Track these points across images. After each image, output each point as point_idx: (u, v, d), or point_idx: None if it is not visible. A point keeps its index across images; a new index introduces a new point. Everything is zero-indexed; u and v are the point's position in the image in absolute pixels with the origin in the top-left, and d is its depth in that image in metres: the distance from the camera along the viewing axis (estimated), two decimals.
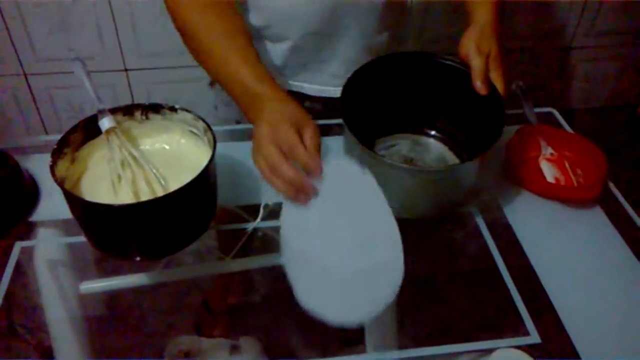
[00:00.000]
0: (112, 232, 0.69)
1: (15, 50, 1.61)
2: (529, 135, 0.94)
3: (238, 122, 1.04)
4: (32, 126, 1.78)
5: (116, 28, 1.60)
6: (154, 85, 1.73)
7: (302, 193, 0.65)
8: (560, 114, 1.06)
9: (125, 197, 0.71)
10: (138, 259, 0.73)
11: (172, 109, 0.78)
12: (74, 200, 0.67)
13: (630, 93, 2.09)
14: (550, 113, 1.06)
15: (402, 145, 0.92)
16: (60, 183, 0.67)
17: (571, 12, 1.85)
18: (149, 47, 1.64)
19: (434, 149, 0.91)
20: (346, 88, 0.80)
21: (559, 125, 1.03)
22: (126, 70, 1.69)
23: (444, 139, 0.91)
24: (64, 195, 0.66)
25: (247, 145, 0.71)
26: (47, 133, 1.79)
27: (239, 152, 0.84)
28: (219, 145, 0.72)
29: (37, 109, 1.75)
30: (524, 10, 1.80)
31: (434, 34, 1.58)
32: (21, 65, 1.65)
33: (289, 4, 0.91)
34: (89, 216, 0.69)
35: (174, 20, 0.83)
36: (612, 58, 2.00)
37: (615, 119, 2.12)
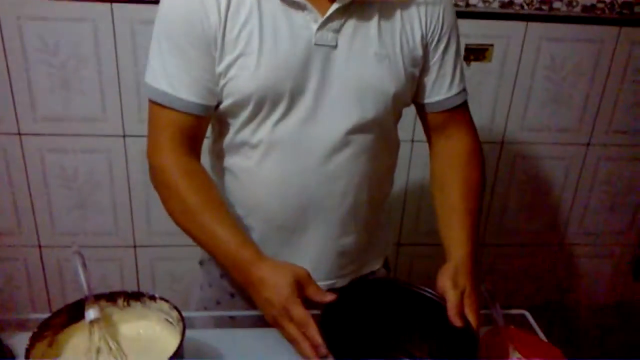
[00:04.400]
0: None
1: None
2: (498, 338, 0.94)
3: (218, 303, 1.13)
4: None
5: (131, 206, 1.79)
6: (158, 261, 1.90)
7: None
8: (558, 309, 1.07)
9: None
10: None
11: (152, 298, 0.86)
12: None
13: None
14: (523, 315, 1.08)
15: None
16: None
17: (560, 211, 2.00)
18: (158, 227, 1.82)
19: None
20: (325, 312, 0.84)
21: (531, 328, 1.04)
22: (135, 246, 1.86)
23: None
24: None
25: (219, 333, 0.96)
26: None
27: (211, 339, 0.94)
28: (193, 331, 0.84)
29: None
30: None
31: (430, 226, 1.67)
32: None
33: (252, 196, 1.00)
34: None
35: (154, 172, 0.97)
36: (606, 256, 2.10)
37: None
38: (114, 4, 1.54)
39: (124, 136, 1.70)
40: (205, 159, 1.02)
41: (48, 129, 1.67)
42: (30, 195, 1.73)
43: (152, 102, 0.94)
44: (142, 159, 1.63)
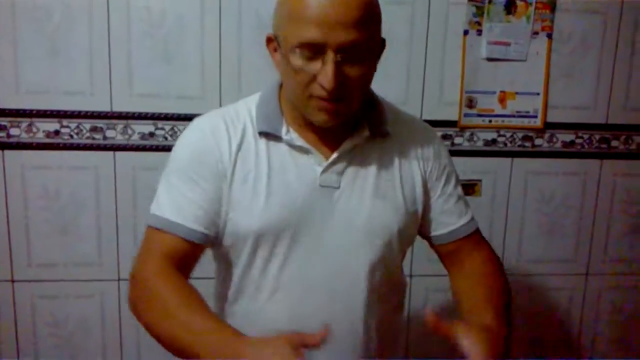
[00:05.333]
0: None
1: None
2: None
3: None
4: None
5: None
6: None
7: None
8: None
9: None
10: None
11: None
12: None
13: None
14: None
15: None
16: None
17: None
18: None
19: None
20: None
21: None
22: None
23: None
24: None
25: None
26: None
27: None
28: None
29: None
30: None
31: None
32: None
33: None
34: None
35: (135, 287, 0.91)
36: None
37: None
38: (117, 152, 1.61)
39: (118, 280, 1.69)
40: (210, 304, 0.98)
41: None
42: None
43: (151, 229, 0.94)
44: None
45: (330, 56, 0.83)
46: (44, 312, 1.68)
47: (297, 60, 0.85)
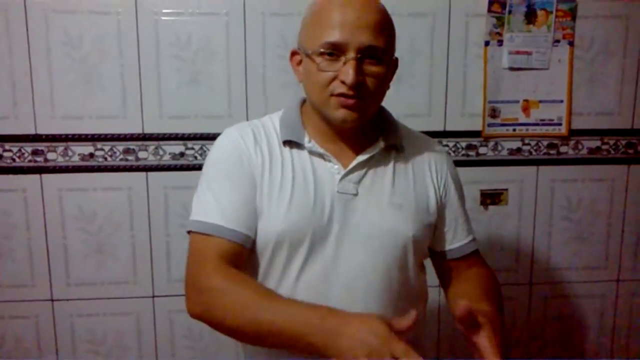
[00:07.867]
0: None
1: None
2: None
3: None
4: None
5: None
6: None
7: None
8: None
9: None
10: None
11: None
12: None
13: None
14: None
15: None
16: None
17: None
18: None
19: None
20: None
21: None
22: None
23: None
24: None
25: None
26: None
27: None
28: None
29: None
30: None
31: None
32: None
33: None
34: None
35: (204, 295, 0.91)
36: None
37: None
38: (149, 173, 1.67)
39: (153, 297, 1.73)
40: None
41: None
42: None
43: (197, 235, 0.97)
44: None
45: (351, 55, 0.92)
46: (83, 329, 1.73)
47: (320, 60, 0.93)
